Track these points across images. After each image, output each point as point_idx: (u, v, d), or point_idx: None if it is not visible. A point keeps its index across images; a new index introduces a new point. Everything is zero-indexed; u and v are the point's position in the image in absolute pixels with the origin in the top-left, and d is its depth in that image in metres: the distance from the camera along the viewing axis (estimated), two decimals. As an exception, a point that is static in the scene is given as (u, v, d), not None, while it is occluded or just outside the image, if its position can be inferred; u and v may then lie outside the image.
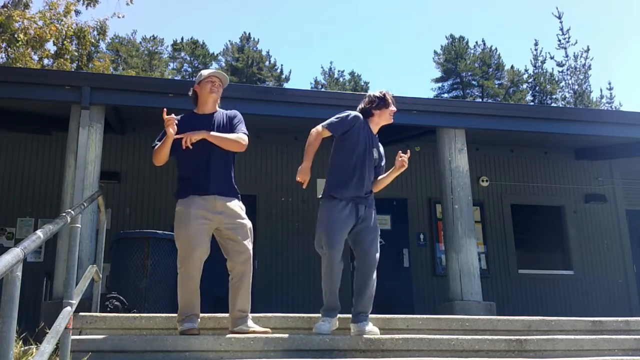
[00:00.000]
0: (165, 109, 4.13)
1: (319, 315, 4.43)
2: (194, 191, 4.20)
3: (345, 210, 4.35)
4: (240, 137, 4.30)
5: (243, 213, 4.31)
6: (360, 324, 4.29)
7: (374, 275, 4.36)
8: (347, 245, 4.45)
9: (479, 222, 9.20)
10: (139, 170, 8.60)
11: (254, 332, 4.14)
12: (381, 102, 4.61)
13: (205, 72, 4.49)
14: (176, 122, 4.19)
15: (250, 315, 4.28)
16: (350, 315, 4.41)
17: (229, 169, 4.37)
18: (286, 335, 4.15)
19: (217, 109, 4.48)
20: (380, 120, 4.64)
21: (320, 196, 4.57)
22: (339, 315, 4.45)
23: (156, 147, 4.24)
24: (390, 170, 4.63)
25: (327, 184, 4.50)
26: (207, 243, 4.18)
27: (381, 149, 4.70)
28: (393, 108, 4.67)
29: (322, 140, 4.51)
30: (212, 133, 4.23)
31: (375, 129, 4.65)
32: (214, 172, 4.25)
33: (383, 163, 4.70)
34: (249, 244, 4.22)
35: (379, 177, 4.67)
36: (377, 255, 4.40)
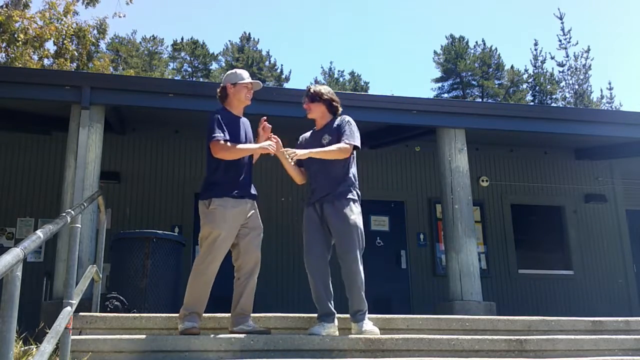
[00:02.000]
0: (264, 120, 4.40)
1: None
2: (230, 193, 4.23)
3: (313, 216, 4.46)
4: None
5: (259, 217, 4.45)
6: (359, 323, 4.28)
7: (357, 270, 4.27)
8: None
9: (479, 222, 9.20)
10: (139, 170, 8.60)
11: (253, 332, 4.14)
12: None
13: (243, 75, 4.49)
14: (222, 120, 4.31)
15: (251, 315, 4.29)
16: (348, 315, 4.41)
17: (252, 174, 4.52)
18: (286, 335, 4.16)
19: (242, 113, 4.58)
20: (312, 110, 4.64)
21: None
22: (340, 315, 4.45)
23: (239, 147, 4.27)
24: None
25: None
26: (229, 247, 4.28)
27: (337, 124, 4.55)
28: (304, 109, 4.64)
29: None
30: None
31: (317, 124, 4.66)
32: (250, 177, 4.42)
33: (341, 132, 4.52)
34: (259, 246, 4.36)
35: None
36: (355, 250, 4.28)
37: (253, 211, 4.38)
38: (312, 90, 4.63)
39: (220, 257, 4.18)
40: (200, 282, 4.17)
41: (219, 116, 4.32)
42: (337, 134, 4.52)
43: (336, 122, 4.59)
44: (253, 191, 4.41)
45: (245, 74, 4.53)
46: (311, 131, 4.74)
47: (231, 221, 4.18)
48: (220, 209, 4.16)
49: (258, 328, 4.22)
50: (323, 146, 4.46)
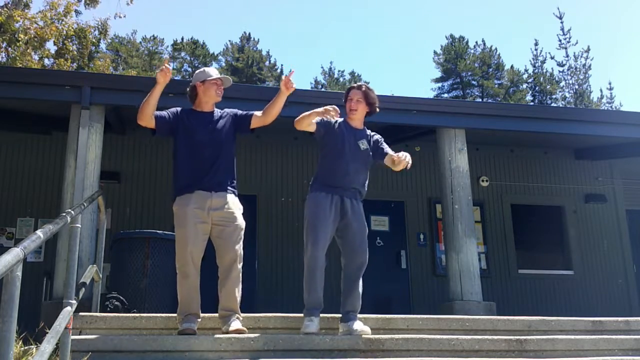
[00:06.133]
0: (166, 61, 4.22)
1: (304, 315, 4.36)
2: (191, 188, 4.19)
3: (327, 205, 4.32)
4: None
5: (237, 212, 4.30)
6: (350, 322, 4.27)
7: (361, 273, 4.35)
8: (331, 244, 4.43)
9: (479, 222, 9.20)
10: (139, 170, 8.59)
11: (233, 331, 4.10)
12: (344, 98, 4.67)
13: (211, 72, 4.48)
14: (177, 111, 4.32)
15: (240, 315, 4.25)
16: (339, 315, 4.40)
17: (231, 166, 4.42)
18: (286, 335, 4.15)
19: (214, 108, 4.51)
20: (352, 115, 4.58)
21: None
22: (329, 315, 4.46)
23: (144, 100, 4.19)
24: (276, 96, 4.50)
25: (314, 178, 4.54)
26: (202, 243, 4.20)
27: (371, 140, 4.62)
28: (350, 107, 4.59)
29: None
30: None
31: (355, 123, 4.60)
32: (217, 170, 4.27)
33: (380, 151, 4.63)
34: (236, 244, 4.21)
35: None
36: (366, 254, 4.38)
37: (225, 205, 4.23)
38: (367, 90, 4.59)
39: (189, 256, 4.12)
40: (185, 286, 4.19)
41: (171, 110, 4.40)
42: (374, 148, 4.58)
43: (373, 135, 4.65)
44: (222, 184, 4.24)
45: (213, 71, 4.51)
46: (345, 122, 4.58)
47: (191, 219, 4.14)
48: (180, 208, 4.20)
49: (233, 327, 4.11)
50: (359, 148, 4.47)
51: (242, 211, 4.37)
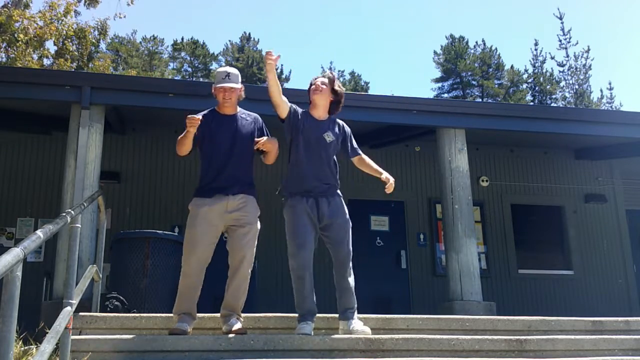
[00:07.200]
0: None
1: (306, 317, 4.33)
2: (209, 192, 4.23)
3: (305, 209, 4.29)
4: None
5: (252, 215, 4.31)
6: (349, 321, 4.27)
7: (351, 269, 4.34)
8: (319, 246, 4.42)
9: (479, 222, 9.20)
10: (139, 170, 8.60)
11: (233, 331, 4.11)
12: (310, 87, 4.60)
13: (217, 76, 4.47)
14: (200, 119, 4.23)
15: (241, 316, 4.26)
16: (337, 315, 4.40)
17: (249, 168, 4.42)
18: (286, 335, 4.15)
19: (238, 109, 4.52)
20: (314, 100, 4.52)
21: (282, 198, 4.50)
22: (329, 315, 4.46)
23: (179, 137, 4.26)
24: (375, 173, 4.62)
25: (285, 182, 4.48)
26: (209, 245, 4.20)
27: (340, 129, 4.58)
28: (316, 86, 4.54)
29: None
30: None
31: (319, 113, 4.53)
32: (234, 172, 4.28)
33: (348, 143, 4.61)
34: (246, 246, 4.22)
35: (364, 161, 4.65)
36: (349, 245, 4.36)
37: (241, 207, 4.25)
38: (334, 79, 4.60)
39: (194, 257, 4.14)
40: (184, 284, 4.21)
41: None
42: (341, 139, 4.54)
43: (339, 125, 4.59)
44: (240, 187, 4.26)
45: (219, 76, 4.45)
46: (309, 114, 4.52)
47: (201, 221, 4.17)
48: (194, 209, 4.25)
49: (235, 327, 4.13)
50: (325, 141, 4.41)
51: (259, 213, 4.39)
